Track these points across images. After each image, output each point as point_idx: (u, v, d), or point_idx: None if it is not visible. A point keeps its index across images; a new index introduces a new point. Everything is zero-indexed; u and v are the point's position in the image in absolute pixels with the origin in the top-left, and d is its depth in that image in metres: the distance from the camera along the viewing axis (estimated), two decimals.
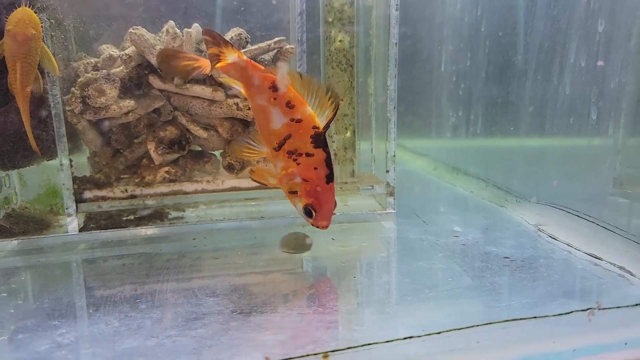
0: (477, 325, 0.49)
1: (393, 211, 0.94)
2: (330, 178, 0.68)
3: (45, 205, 0.96)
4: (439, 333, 0.47)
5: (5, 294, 0.68)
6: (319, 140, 0.67)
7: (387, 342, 0.47)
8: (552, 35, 0.84)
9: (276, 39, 0.89)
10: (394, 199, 0.94)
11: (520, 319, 0.51)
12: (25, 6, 0.74)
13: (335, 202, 0.71)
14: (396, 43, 0.89)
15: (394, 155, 0.93)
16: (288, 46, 0.89)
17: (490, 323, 0.49)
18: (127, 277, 0.72)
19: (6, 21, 0.72)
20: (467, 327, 0.49)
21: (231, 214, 0.95)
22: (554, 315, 0.52)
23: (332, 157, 1.00)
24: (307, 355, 0.47)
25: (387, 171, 0.93)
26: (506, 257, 0.74)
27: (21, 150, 0.84)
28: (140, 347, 0.53)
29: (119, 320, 0.59)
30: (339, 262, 0.76)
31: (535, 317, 0.51)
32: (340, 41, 0.94)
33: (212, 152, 0.96)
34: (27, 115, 0.78)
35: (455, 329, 0.48)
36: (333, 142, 0.99)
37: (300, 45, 0.88)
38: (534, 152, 0.97)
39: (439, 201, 1.08)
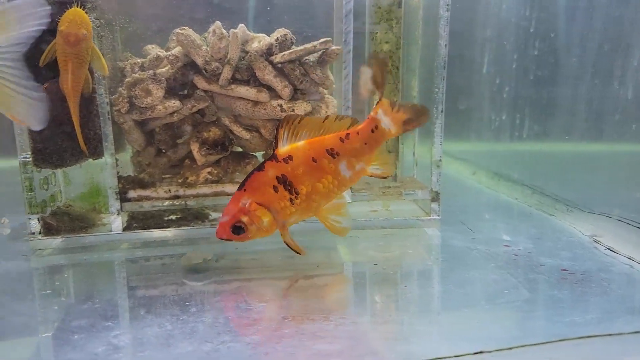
0: (550, 342, 0.47)
1: (437, 217, 0.92)
2: None
3: (89, 203, 0.97)
4: (510, 349, 0.45)
5: (49, 291, 0.68)
6: None
7: (457, 356, 0.45)
8: (613, 37, 0.81)
9: (322, 40, 0.87)
10: (439, 205, 0.92)
11: (594, 335, 0.48)
12: (77, 6, 0.75)
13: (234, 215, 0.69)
14: (446, 45, 0.86)
15: (440, 160, 0.91)
16: (334, 47, 0.87)
17: (564, 340, 0.47)
18: (170, 278, 0.72)
19: (58, 22, 0.73)
20: (539, 344, 0.46)
21: None
22: (629, 333, 0.49)
23: None
24: None
25: (432, 176, 0.91)
26: (564, 270, 0.71)
27: (69, 149, 0.84)
28: (196, 352, 0.52)
29: (171, 324, 0.58)
30: (386, 270, 0.74)
31: (610, 335, 0.49)
32: (386, 42, 0.92)
33: (253, 154, 0.96)
34: (76, 115, 0.79)
35: (527, 345, 0.46)
36: None
37: (346, 47, 0.87)
38: (587, 159, 0.93)
39: (482, 208, 1.04)
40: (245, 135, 0.89)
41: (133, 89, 0.85)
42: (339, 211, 0.76)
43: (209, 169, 0.90)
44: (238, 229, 0.69)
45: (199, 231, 0.89)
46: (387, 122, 0.74)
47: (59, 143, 0.84)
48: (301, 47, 0.87)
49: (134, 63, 0.88)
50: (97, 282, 0.72)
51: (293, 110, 0.87)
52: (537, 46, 1.03)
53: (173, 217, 0.92)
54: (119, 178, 0.87)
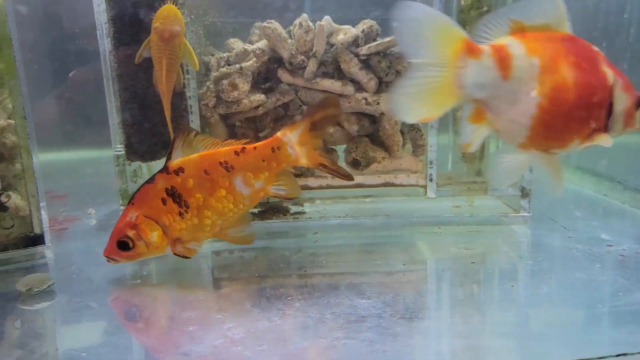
0: None
1: (527, 214, 0.88)
2: None
3: None
4: None
5: (152, 283, 0.70)
6: None
7: (600, 358, 0.42)
8: None
9: None
10: (529, 201, 0.88)
11: None
12: (171, 3, 0.76)
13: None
14: None
15: None
16: None
17: None
18: (259, 271, 0.72)
19: (152, 19, 0.74)
20: None
21: (345, 211, 0.93)
22: None
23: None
24: None
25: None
26: None
27: (160, 144, 0.86)
28: (312, 347, 0.52)
29: (279, 318, 0.58)
30: (485, 268, 0.72)
31: None
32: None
33: (333, 147, 0.95)
34: (169, 110, 0.80)
35: None
36: None
37: None
38: None
39: (570, 204, 0.99)
40: (329, 129, 0.89)
41: (220, 83, 0.85)
42: (238, 222, 0.71)
43: None
44: (124, 245, 0.65)
45: (279, 225, 0.89)
46: (294, 149, 0.70)
47: (150, 138, 0.86)
48: (388, 39, 0.85)
49: (220, 57, 0.89)
50: (189, 274, 0.74)
51: (378, 103, 0.86)
52: (631, 33, 0.96)
53: (255, 210, 0.92)
54: None
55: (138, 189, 0.68)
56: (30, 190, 0.80)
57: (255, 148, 0.69)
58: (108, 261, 0.67)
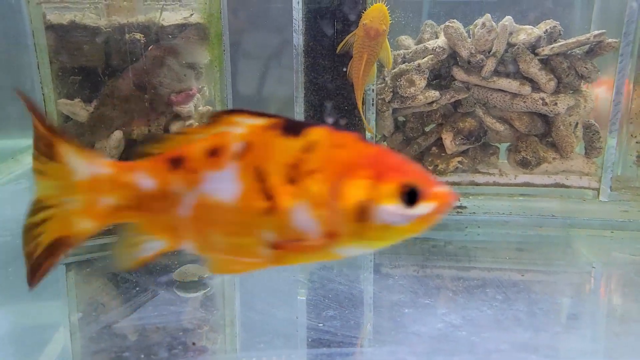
0: None
1: None
2: None
3: None
4: None
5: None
6: None
7: None
8: None
9: (596, 32, 0.84)
10: None
11: None
12: (382, 3, 0.79)
13: None
14: None
15: None
16: (610, 40, 0.84)
17: None
18: (473, 263, 0.76)
19: (362, 14, 0.79)
20: None
21: (497, 207, 0.94)
22: None
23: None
24: None
25: None
26: None
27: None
28: (536, 338, 0.55)
29: (489, 308, 0.62)
30: None
31: None
32: None
33: (497, 144, 0.96)
34: (360, 101, 0.85)
35: None
36: (637, 142, 0.92)
37: (626, 39, 0.83)
38: None
39: None
40: (499, 127, 0.90)
41: (399, 79, 0.90)
42: None
43: (459, 158, 0.93)
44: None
45: (447, 217, 0.93)
46: None
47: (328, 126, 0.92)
48: (573, 39, 0.85)
49: (397, 54, 0.93)
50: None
51: (556, 104, 0.86)
52: None
53: None
54: None
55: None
56: None
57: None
58: None
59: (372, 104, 0.89)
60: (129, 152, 0.84)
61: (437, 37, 0.93)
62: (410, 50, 0.91)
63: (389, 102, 0.91)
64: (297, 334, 0.58)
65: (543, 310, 0.61)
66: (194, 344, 0.55)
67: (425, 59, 0.90)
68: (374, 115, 0.90)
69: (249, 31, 1.24)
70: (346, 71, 0.85)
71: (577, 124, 0.90)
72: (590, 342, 0.55)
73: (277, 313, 0.63)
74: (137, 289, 0.68)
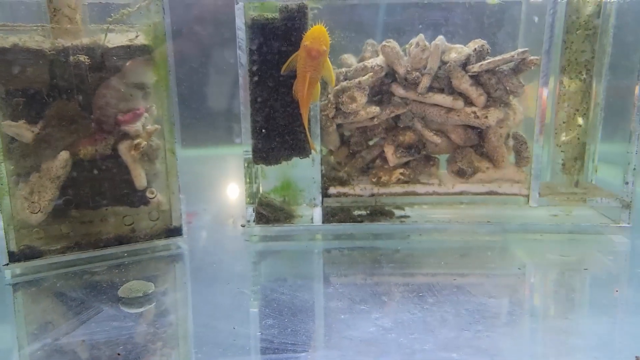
0: None
1: (627, 225, 0.92)
2: None
3: (280, 196, 1.09)
4: None
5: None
6: None
7: None
8: None
9: (520, 50, 0.91)
10: (630, 212, 0.92)
11: None
12: (321, 24, 0.83)
13: None
14: None
15: (634, 169, 0.91)
16: (532, 57, 0.91)
17: None
18: (380, 269, 0.80)
19: (303, 36, 0.83)
20: None
21: (437, 216, 0.99)
22: None
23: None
24: None
25: (627, 183, 0.92)
26: None
27: (283, 149, 0.96)
28: (459, 337, 0.59)
29: (420, 311, 0.66)
30: (596, 274, 0.78)
31: None
32: (583, 51, 0.93)
33: (436, 156, 1.02)
34: (306, 118, 0.89)
35: None
36: (562, 152, 1.00)
37: (546, 56, 0.90)
38: None
39: None
40: (436, 139, 0.96)
41: (340, 96, 0.94)
42: None
43: (401, 170, 0.98)
44: None
45: (385, 227, 0.97)
46: None
47: (275, 143, 0.95)
48: (499, 57, 0.91)
49: (339, 72, 0.97)
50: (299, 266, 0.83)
51: (486, 117, 0.92)
52: None
53: (363, 212, 1.01)
54: (321, 175, 0.98)
55: None
56: (171, 187, 0.92)
57: None
58: None
59: (314, 121, 0.93)
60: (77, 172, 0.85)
61: (377, 55, 0.99)
62: (351, 68, 0.96)
63: (332, 117, 0.95)
64: (235, 343, 0.60)
65: (469, 311, 0.66)
66: (119, 354, 0.57)
67: (366, 76, 0.95)
68: (319, 130, 0.95)
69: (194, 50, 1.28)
70: (291, 90, 0.89)
71: (508, 135, 0.96)
72: (510, 339, 0.60)
73: (218, 325, 0.65)
74: (82, 305, 0.69)
